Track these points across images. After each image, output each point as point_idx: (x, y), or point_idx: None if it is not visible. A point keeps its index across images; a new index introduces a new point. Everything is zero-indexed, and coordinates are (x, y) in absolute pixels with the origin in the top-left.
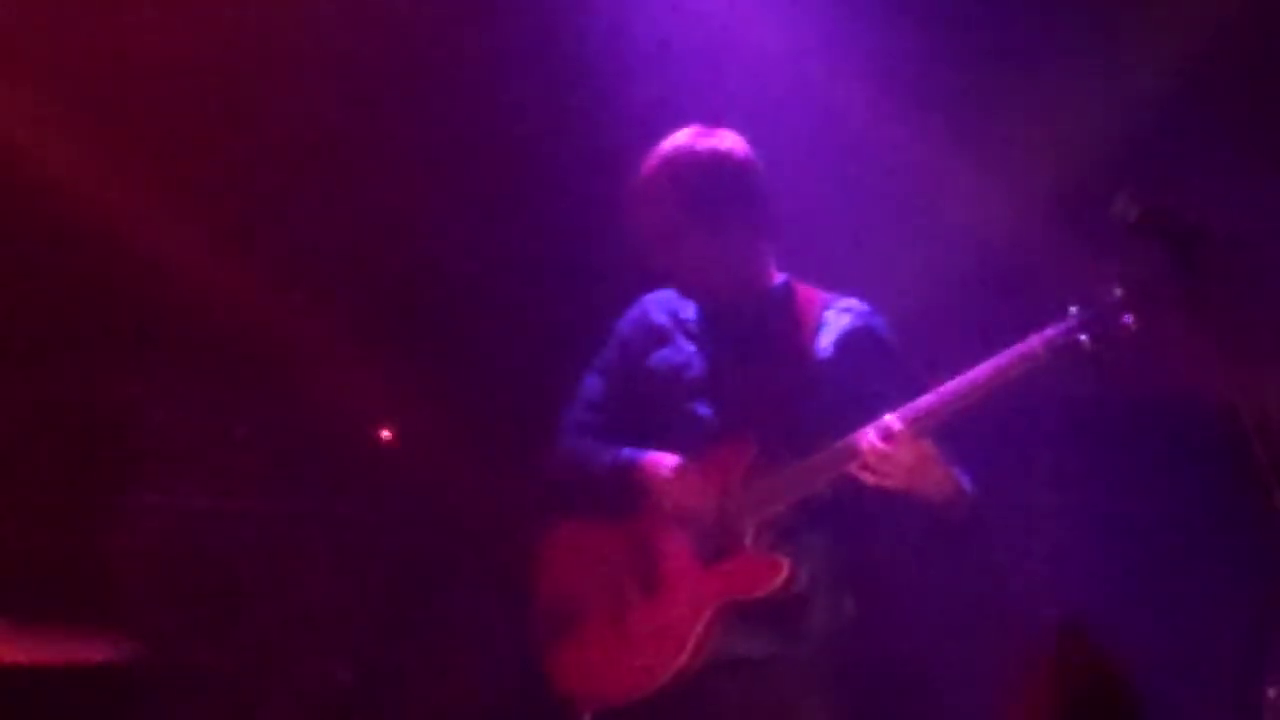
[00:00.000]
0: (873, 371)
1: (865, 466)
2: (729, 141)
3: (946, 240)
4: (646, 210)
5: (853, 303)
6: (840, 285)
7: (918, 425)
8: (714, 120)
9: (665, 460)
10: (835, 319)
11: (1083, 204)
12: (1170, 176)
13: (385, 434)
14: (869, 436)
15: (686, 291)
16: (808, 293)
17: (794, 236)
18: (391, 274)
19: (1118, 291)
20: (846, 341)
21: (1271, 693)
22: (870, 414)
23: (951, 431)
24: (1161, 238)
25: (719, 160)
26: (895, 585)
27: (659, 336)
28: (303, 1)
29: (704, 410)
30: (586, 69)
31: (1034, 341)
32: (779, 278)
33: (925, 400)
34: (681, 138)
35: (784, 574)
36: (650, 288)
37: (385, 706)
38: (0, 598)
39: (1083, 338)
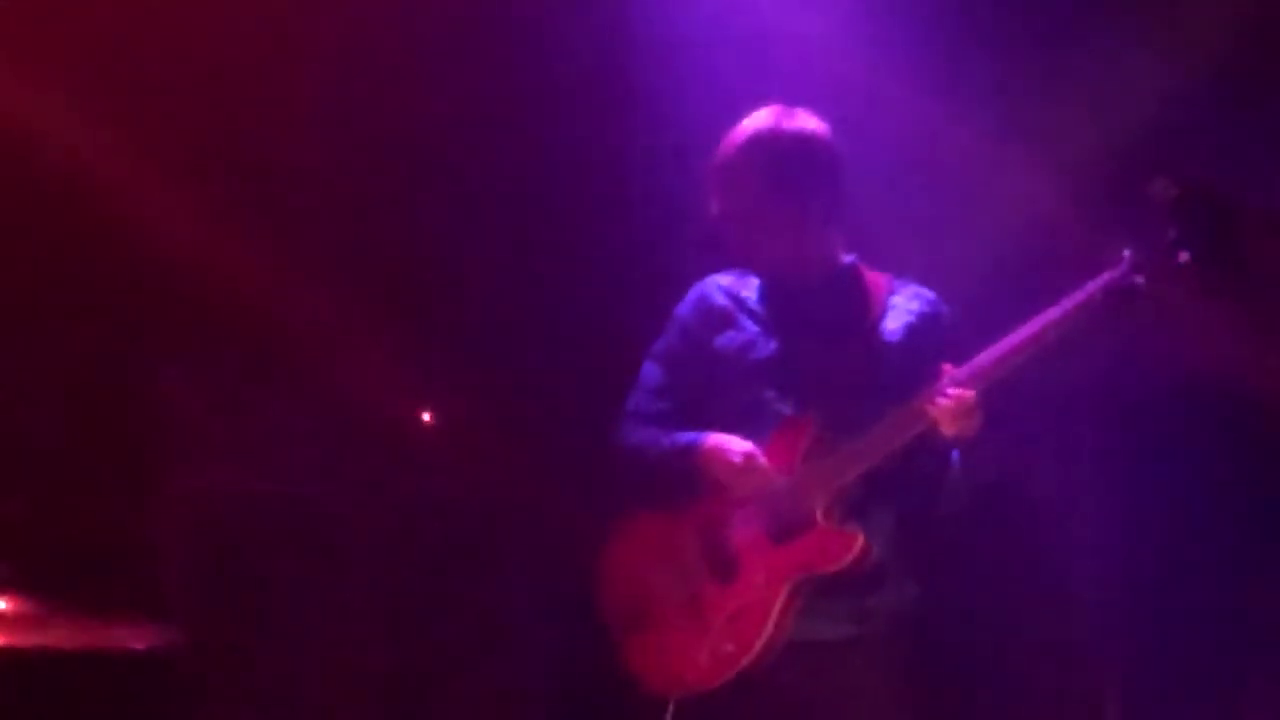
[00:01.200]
0: (937, 358)
1: (935, 414)
2: (813, 123)
3: (991, 223)
4: (729, 185)
5: (920, 289)
6: (898, 265)
7: (982, 380)
8: (755, 105)
9: (731, 441)
10: (903, 304)
11: (1125, 184)
12: (1210, 156)
13: (426, 416)
14: (940, 390)
15: (758, 269)
16: (874, 276)
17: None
18: (435, 255)
19: (1171, 232)
20: (914, 326)
21: None
22: None
23: (1000, 402)
24: (1200, 217)
25: (805, 140)
26: (950, 565)
27: (722, 319)
28: None
29: (769, 391)
30: (628, 58)
31: (1091, 287)
32: (847, 259)
33: (986, 355)
34: (767, 117)
35: (859, 545)
36: (699, 269)
37: (427, 692)
38: (41, 583)
39: (1139, 279)
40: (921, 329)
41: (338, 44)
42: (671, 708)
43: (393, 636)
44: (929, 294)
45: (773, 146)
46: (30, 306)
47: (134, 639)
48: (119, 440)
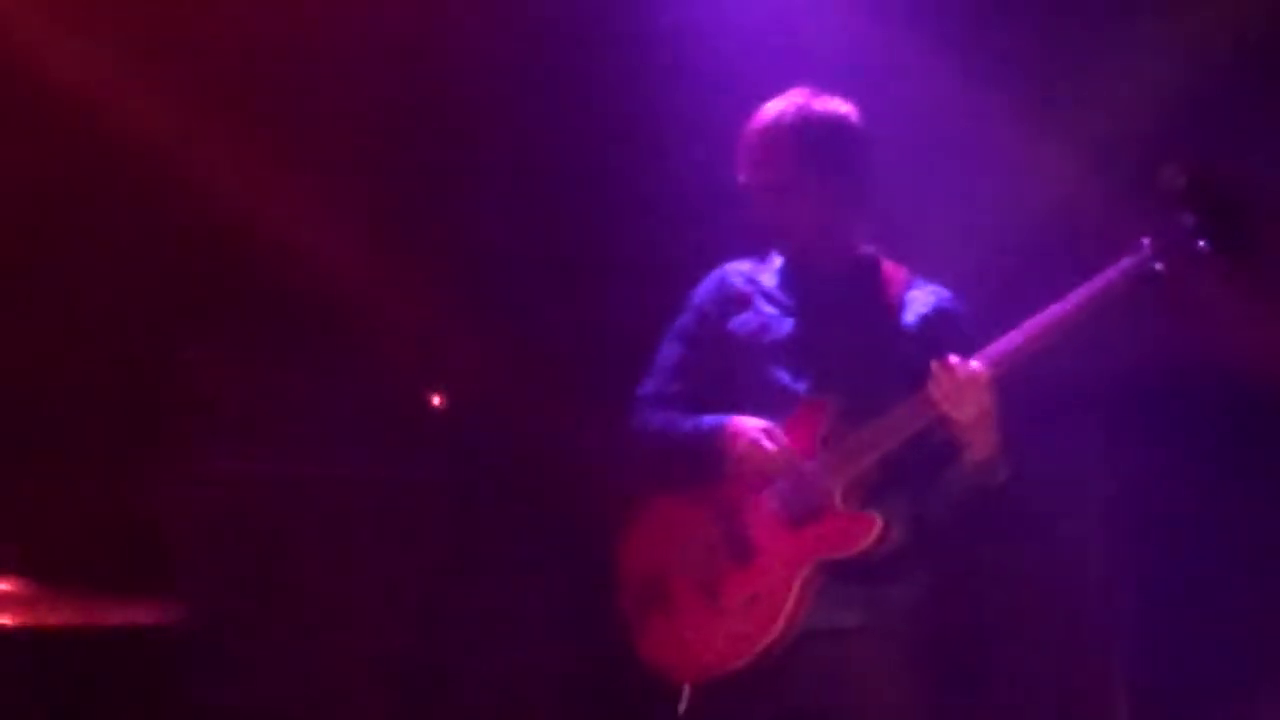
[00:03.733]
0: (953, 350)
1: (942, 394)
2: (845, 106)
3: (1005, 206)
4: (763, 161)
5: (938, 288)
6: (903, 253)
7: (999, 366)
8: (767, 91)
9: (750, 424)
10: (921, 298)
11: (1144, 167)
12: (1219, 146)
13: (438, 399)
14: (949, 367)
15: (780, 245)
16: (892, 268)
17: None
18: (445, 237)
19: (1189, 219)
20: (930, 320)
21: None
22: None
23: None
24: (1208, 206)
25: (838, 120)
26: (961, 557)
27: (738, 301)
28: None
29: (784, 373)
30: (649, 43)
31: (1111, 274)
32: (868, 249)
33: (1005, 341)
34: (799, 96)
35: (877, 529)
36: (714, 250)
37: (440, 675)
38: (50, 560)
39: (1159, 266)
40: (938, 323)
41: (362, 25)
42: (687, 690)
43: (405, 619)
44: (946, 292)
45: (806, 122)
46: (48, 279)
47: (141, 615)
48: (133, 418)
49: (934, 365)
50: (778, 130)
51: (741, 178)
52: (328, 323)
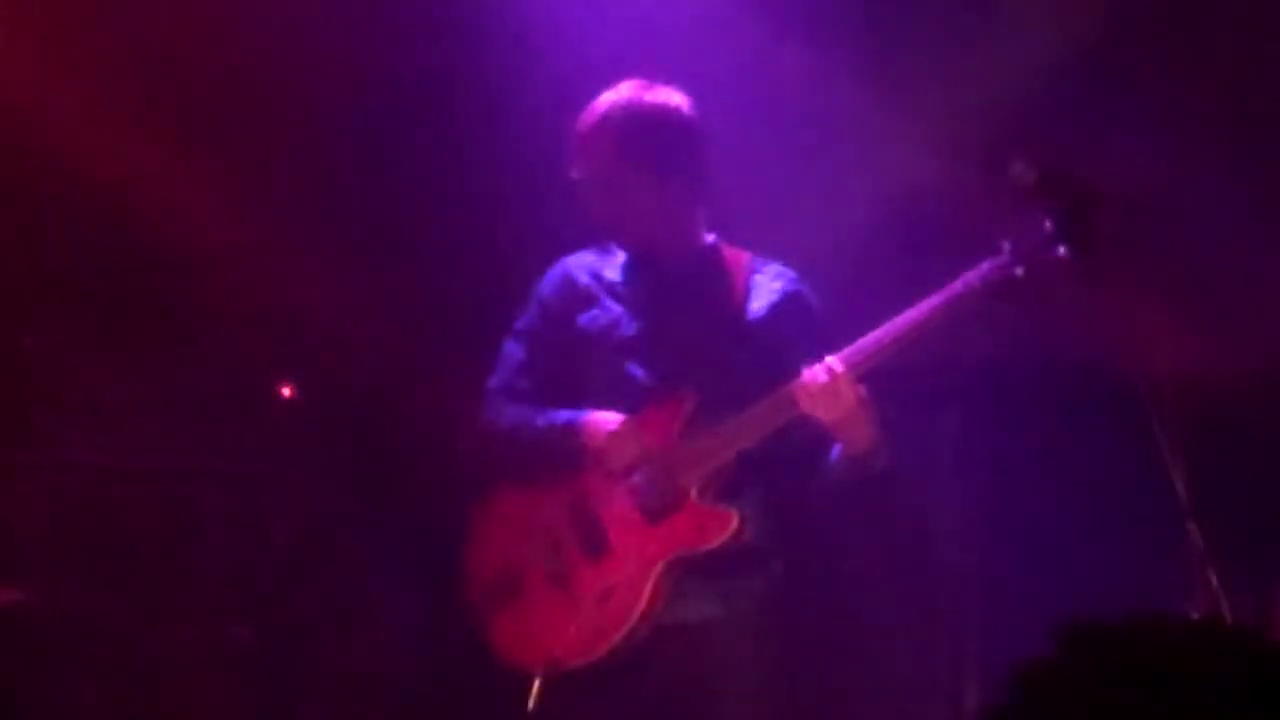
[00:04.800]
0: (803, 336)
1: (805, 399)
2: (675, 98)
3: (863, 198)
4: (590, 156)
5: (781, 269)
6: (761, 241)
7: (858, 366)
8: (634, 77)
9: (606, 419)
10: (766, 283)
11: (987, 162)
12: (1069, 141)
13: (286, 390)
14: (810, 371)
15: (618, 240)
16: (735, 254)
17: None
18: (295, 226)
19: (1048, 224)
20: (778, 306)
21: None
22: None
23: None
24: (1059, 202)
25: (665, 113)
26: (821, 544)
27: (584, 297)
28: None
29: (636, 369)
30: (514, 29)
31: (970, 278)
32: (708, 238)
33: (865, 341)
34: (627, 90)
35: (733, 524)
36: (560, 239)
37: (286, 668)
38: None
39: (1018, 271)
40: (785, 308)
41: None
42: (537, 684)
43: (250, 611)
44: (790, 273)
45: (631, 117)
46: None
47: None
48: None
49: (801, 378)
50: (604, 125)
51: (572, 173)
52: (175, 311)
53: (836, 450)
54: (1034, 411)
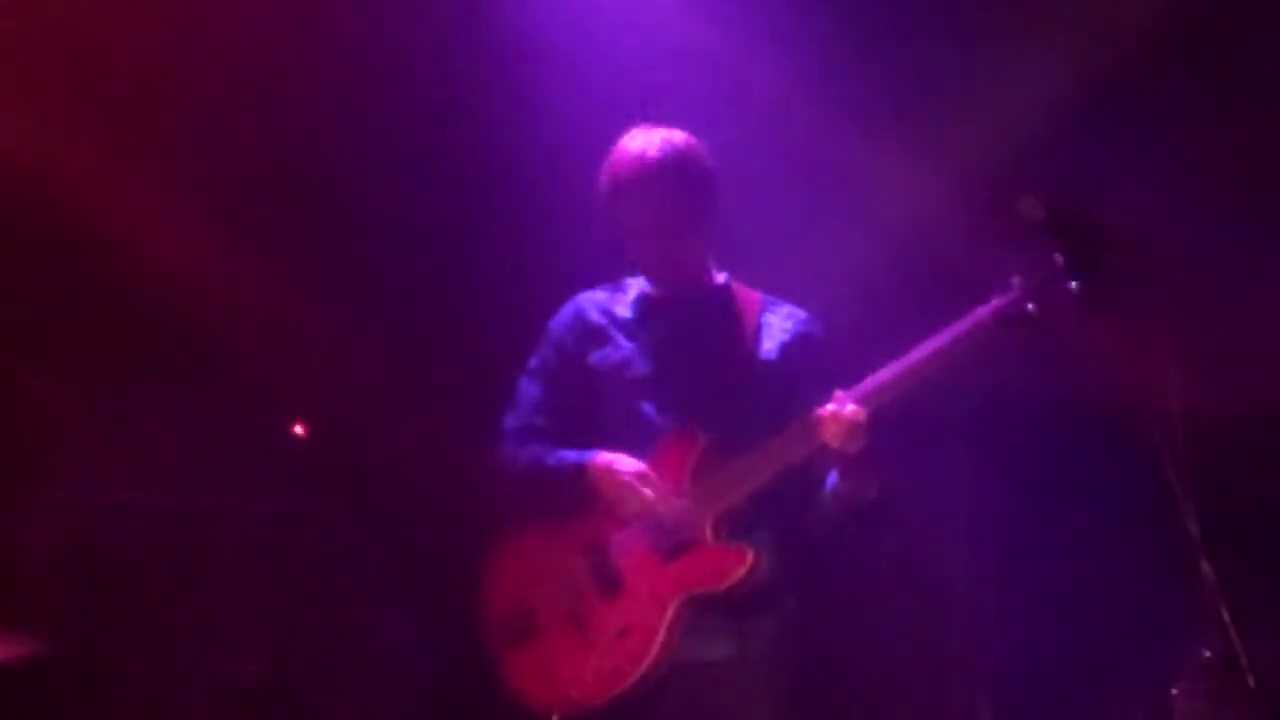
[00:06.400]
0: (813, 377)
1: (830, 431)
2: (701, 146)
3: (872, 234)
4: (645, 203)
5: (793, 309)
6: (769, 280)
7: (872, 400)
8: (645, 118)
9: (620, 459)
10: (777, 323)
11: (995, 198)
12: (1076, 178)
13: (299, 430)
14: (834, 404)
15: (657, 283)
16: (746, 294)
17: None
18: (310, 267)
19: (1059, 259)
20: (789, 345)
21: (1175, 693)
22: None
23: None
24: (1066, 237)
25: (704, 160)
26: (832, 582)
27: (596, 335)
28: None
29: (648, 407)
30: (518, 64)
31: (982, 313)
32: (720, 277)
33: (878, 377)
34: (661, 134)
35: (749, 562)
36: (570, 277)
37: (299, 707)
38: None
39: (1030, 306)
40: (796, 348)
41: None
42: None
43: (264, 650)
44: (801, 313)
45: (684, 168)
46: None
47: (3, 649)
48: None
49: (823, 411)
50: (660, 171)
51: (626, 218)
52: (189, 351)
53: (831, 483)
54: (1043, 446)
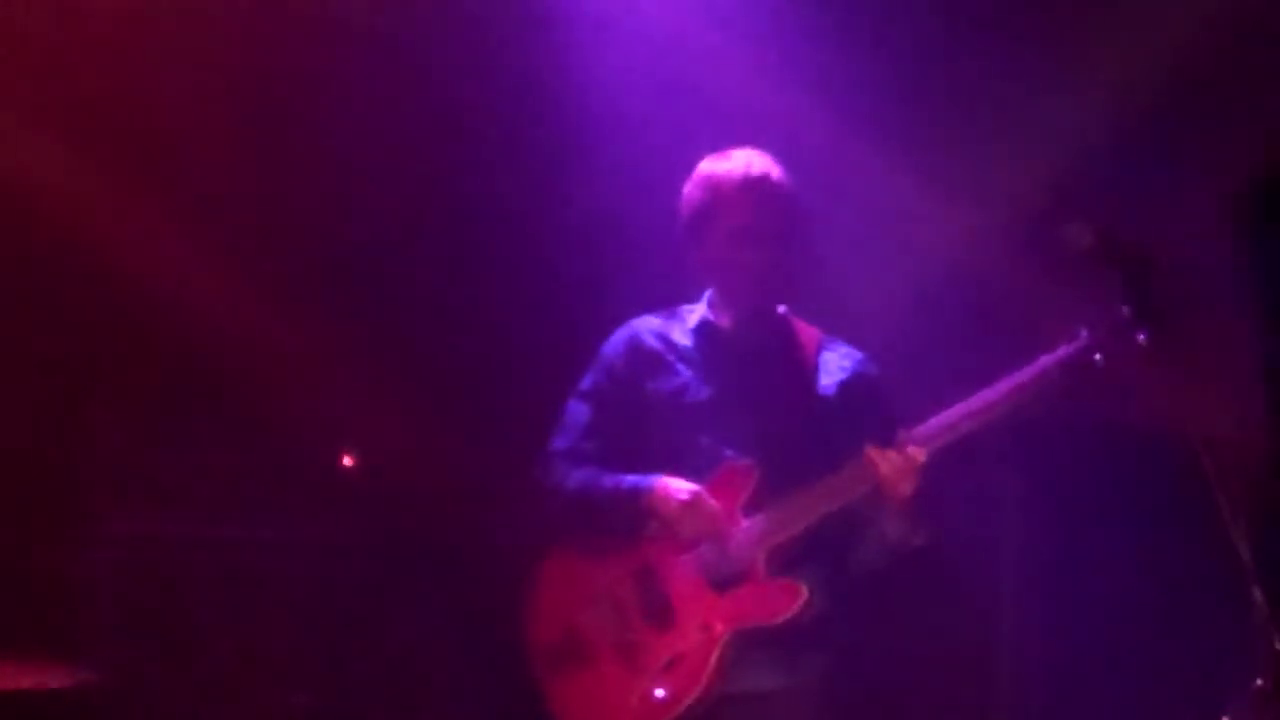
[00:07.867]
0: (870, 416)
1: (888, 472)
2: None
3: (916, 271)
4: (772, 210)
5: (850, 349)
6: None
7: (931, 443)
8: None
9: (676, 485)
10: (836, 360)
11: (1043, 231)
12: (1123, 204)
13: (347, 460)
14: (896, 444)
15: (733, 303)
16: (806, 329)
17: None
18: (355, 298)
19: (1125, 310)
20: (847, 385)
21: None
22: None
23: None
24: (1114, 264)
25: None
26: (881, 617)
27: (652, 361)
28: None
29: (703, 436)
30: (560, 97)
31: (1047, 362)
32: (780, 309)
33: (939, 419)
34: (768, 156)
35: (803, 597)
36: (621, 305)
37: None
38: None
39: (1097, 357)
40: (855, 387)
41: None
42: None
43: (311, 681)
44: (858, 354)
45: (792, 186)
46: None
47: (53, 679)
48: (41, 481)
49: (872, 450)
50: (775, 182)
51: (734, 225)
52: (238, 381)
53: (878, 525)
54: (1092, 471)
